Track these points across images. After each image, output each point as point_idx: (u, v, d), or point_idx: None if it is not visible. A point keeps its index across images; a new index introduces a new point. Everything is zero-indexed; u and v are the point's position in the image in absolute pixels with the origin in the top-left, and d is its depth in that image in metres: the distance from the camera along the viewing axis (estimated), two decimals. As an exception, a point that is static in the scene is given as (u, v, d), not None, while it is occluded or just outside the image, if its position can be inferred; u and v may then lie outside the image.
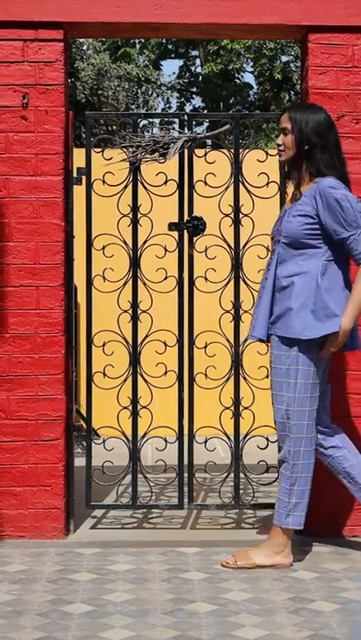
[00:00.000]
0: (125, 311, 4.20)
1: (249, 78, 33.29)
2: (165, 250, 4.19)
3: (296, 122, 3.69)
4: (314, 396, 3.66)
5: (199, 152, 4.43)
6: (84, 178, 4.20)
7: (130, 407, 4.24)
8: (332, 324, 3.59)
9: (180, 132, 4.25)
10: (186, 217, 4.21)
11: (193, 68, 22.68)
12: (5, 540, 4.04)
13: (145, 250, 4.23)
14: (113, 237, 4.15)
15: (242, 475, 4.23)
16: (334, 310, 3.60)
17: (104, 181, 4.17)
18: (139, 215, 4.24)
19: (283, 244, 3.69)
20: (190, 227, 4.20)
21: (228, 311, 4.19)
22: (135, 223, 4.24)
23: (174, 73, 22.67)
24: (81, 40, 15.59)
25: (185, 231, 4.21)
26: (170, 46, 22.08)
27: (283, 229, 3.70)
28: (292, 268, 3.66)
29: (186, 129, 4.28)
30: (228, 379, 4.20)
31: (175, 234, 4.21)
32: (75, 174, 4.18)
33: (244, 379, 4.19)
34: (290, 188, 4.20)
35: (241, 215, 4.22)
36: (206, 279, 4.19)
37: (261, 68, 19.17)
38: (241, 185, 4.21)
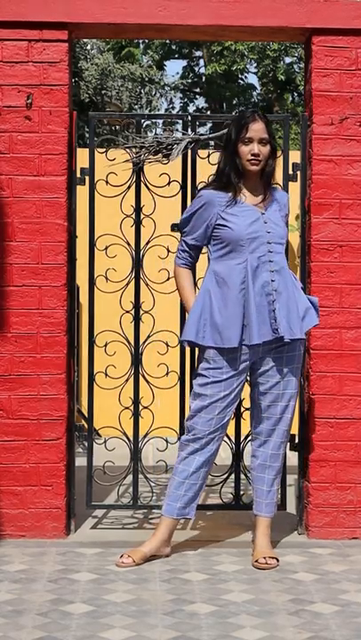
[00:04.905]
0: (128, 311, 4.21)
1: (252, 79, 33.34)
2: (168, 251, 4.20)
3: (271, 134, 3.77)
4: None
5: (202, 153, 4.42)
6: (87, 178, 4.21)
7: (131, 407, 4.24)
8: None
9: (183, 133, 4.26)
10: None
11: (197, 69, 22.68)
12: (6, 540, 4.05)
13: (147, 250, 4.23)
14: (116, 238, 4.16)
15: (243, 475, 4.24)
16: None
17: (107, 182, 4.18)
18: (142, 216, 4.25)
19: (283, 248, 3.82)
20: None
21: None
22: (138, 224, 4.25)
23: (178, 73, 22.74)
24: (85, 40, 15.60)
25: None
26: (174, 47, 22.07)
27: (277, 234, 3.77)
28: (289, 270, 3.84)
29: (189, 130, 4.28)
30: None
31: (178, 235, 4.21)
32: (78, 174, 4.19)
33: (247, 380, 4.19)
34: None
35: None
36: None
37: (265, 69, 19.15)
38: (244, 186, 4.21)
